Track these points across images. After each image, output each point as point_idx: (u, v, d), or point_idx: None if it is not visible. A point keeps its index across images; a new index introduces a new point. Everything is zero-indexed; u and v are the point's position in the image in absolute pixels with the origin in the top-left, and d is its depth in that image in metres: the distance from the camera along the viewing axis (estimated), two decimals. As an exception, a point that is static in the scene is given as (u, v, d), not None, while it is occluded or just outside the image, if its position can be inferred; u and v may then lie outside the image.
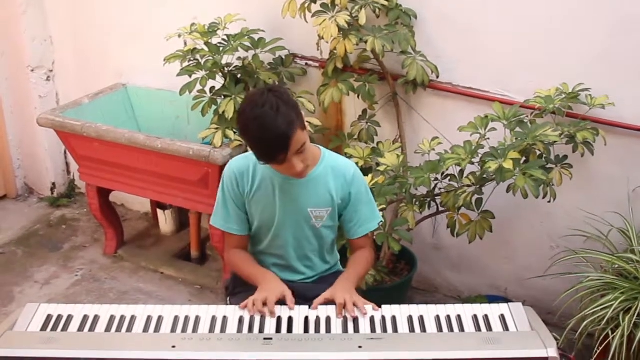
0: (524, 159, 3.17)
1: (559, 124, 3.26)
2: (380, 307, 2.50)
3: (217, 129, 3.66)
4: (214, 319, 2.43)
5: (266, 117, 2.35)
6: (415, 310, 2.46)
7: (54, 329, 2.38)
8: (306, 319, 2.43)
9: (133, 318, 2.43)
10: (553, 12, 3.35)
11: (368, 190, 2.79)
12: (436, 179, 3.40)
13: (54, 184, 5.14)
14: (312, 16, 3.53)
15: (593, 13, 3.27)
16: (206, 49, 3.69)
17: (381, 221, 2.88)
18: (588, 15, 3.29)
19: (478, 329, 2.37)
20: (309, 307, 2.52)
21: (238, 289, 2.84)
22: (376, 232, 3.41)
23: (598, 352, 3.07)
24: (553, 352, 2.18)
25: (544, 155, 3.22)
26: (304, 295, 2.77)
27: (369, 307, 2.49)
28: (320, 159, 2.69)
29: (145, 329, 2.38)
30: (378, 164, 3.53)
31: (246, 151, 2.91)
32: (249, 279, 2.73)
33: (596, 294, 3.14)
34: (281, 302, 2.53)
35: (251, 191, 2.68)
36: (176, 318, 2.43)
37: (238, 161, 2.73)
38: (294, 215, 2.70)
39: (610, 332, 2.99)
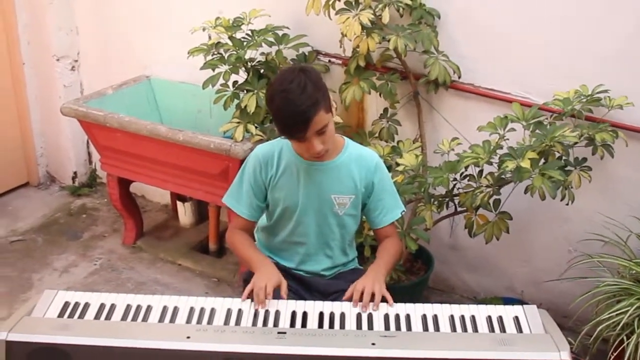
0: (542, 160, 3.16)
1: (577, 126, 3.25)
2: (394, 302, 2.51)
3: (238, 123, 3.67)
4: (229, 311, 2.44)
5: (291, 93, 2.44)
6: (429, 309, 2.46)
7: (71, 316, 2.41)
8: (321, 314, 2.44)
9: (149, 308, 2.45)
10: (575, 13, 3.33)
11: (390, 180, 2.83)
12: (455, 179, 3.40)
13: (75, 173, 5.17)
14: (336, 14, 3.53)
15: (614, 15, 3.26)
16: (230, 43, 3.71)
17: (404, 210, 2.90)
18: (610, 17, 3.27)
19: (492, 330, 2.37)
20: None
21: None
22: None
23: (612, 357, 3.06)
24: (566, 355, 2.18)
25: (563, 157, 3.21)
26: (322, 290, 2.80)
27: (383, 305, 2.50)
28: (344, 148, 2.74)
29: (161, 319, 2.41)
30: (397, 163, 3.53)
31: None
32: (246, 262, 2.77)
33: (612, 299, 3.12)
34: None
35: (275, 176, 2.72)
36: (192, 309, 2.45)
37: (264, 148, 2.78)
38: (317, 201, 2.73)
39: (625, 338, 2.97)
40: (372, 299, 2.50)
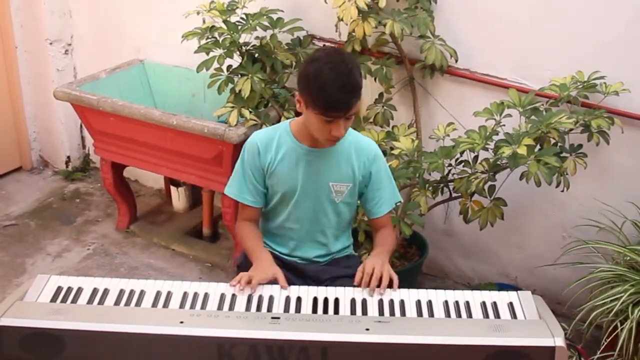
0: (538, 146, 3.16)
1: (573, 112, 3.24)
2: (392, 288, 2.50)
3: (232, 107, 3.66)
4: (222, 296, 2.43)
5: (343, 74, 2.45)
6: (423, 294, 2.46)
7: (64, 300, 2.39)
8: (315, 299, 2.44)
9: (142, 293, 2.44)
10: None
11: (388, 170, 2.82)
12: (450, 164, 3.39)
13: (68, 157, 5.15)
14: (332, -3, 3.52)
15: (613, 1, 3.25)
16: (224, 27, 3.69)
17: (400, 201, 2.90)
18: (608, 2, 3.26)
19: (486, 315, 2.36)
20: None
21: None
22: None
23: (605, 343, 3.06)
24: (560, 341, 2.17)
25: (559, 144, 3.21)
26: (316, 277, 2.79)
27: (389, 290, 2.49)
28: (345, 135, 2.70)
29: (154, 304, 2.39)
30: (392, 148, 3.52)
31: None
32: (248, 254, 2.75)
33: (606, 285, 3.13)
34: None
35: (274, 161, 2.70)
36: (185, 294, 2.43)
37: (262, 133, 2.77)
38: (315, 188, 2.72)
39: (618, 324, 2.98)
40: (380, 282, 2.49)
